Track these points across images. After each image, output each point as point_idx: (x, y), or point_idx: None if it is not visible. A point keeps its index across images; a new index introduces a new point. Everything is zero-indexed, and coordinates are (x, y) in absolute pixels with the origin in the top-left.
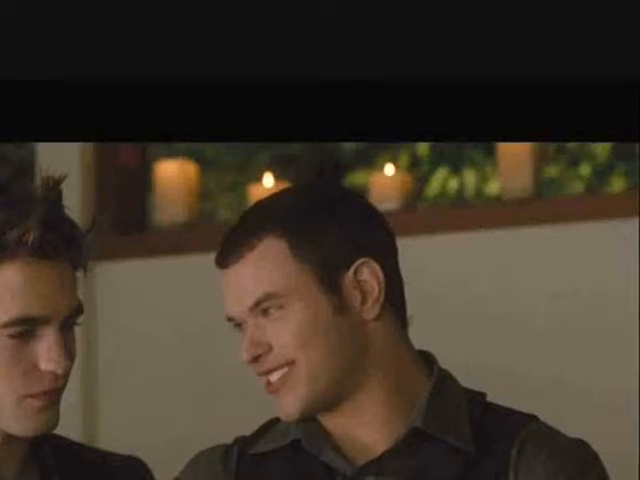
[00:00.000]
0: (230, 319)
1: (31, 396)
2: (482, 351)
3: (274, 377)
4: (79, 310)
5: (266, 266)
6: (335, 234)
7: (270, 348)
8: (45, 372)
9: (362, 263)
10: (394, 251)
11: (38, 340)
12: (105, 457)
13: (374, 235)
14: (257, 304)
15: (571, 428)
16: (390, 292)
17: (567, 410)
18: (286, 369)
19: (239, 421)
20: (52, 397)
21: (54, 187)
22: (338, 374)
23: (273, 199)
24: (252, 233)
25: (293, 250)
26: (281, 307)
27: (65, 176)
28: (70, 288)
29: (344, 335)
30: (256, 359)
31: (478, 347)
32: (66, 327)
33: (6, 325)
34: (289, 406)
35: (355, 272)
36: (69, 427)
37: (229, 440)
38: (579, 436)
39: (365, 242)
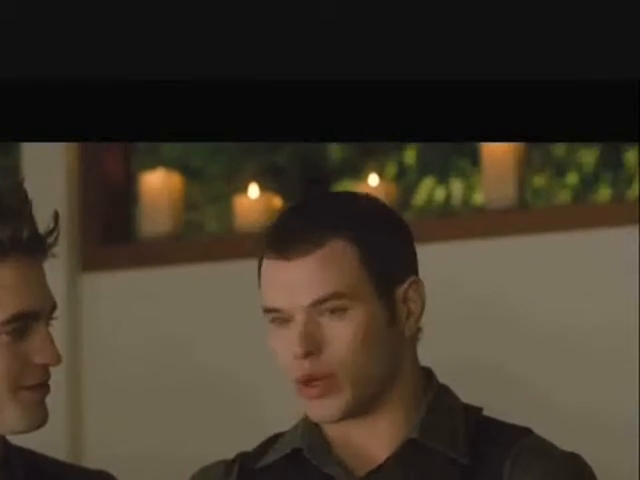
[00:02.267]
0: (274, 310)
1: (27, 390)
2: (467, 359)
3: (314, 385)
4: (55, 305)
5: (335, 267)
6: (399, 249)
7: (322, 349)
8: (39, 366)
9: (414, 280)
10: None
11: (30, 335)
12: (75, 471)
13: (415, 255)
14: (321, 302)
15: (567, 438)
16: None
17: (560, 419)
18: (327, 379)
19: (222, 427)
20: (45, 391)
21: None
22: (379, 385)
23: (341, 200)
24: (322, 231)
25: (362, 257)
26: (344, 309)
27: (23, 177)
28: (46, 284)
29: (392, 347)
30: (307, 355)
31: (463, 356)
32: (47, 322)
33: (4, 323)
34: (328, 409)
35: (407, 288)
36: (54, 437)
37: (211, 445)
38: (575, 448)
39: (414, 260)
